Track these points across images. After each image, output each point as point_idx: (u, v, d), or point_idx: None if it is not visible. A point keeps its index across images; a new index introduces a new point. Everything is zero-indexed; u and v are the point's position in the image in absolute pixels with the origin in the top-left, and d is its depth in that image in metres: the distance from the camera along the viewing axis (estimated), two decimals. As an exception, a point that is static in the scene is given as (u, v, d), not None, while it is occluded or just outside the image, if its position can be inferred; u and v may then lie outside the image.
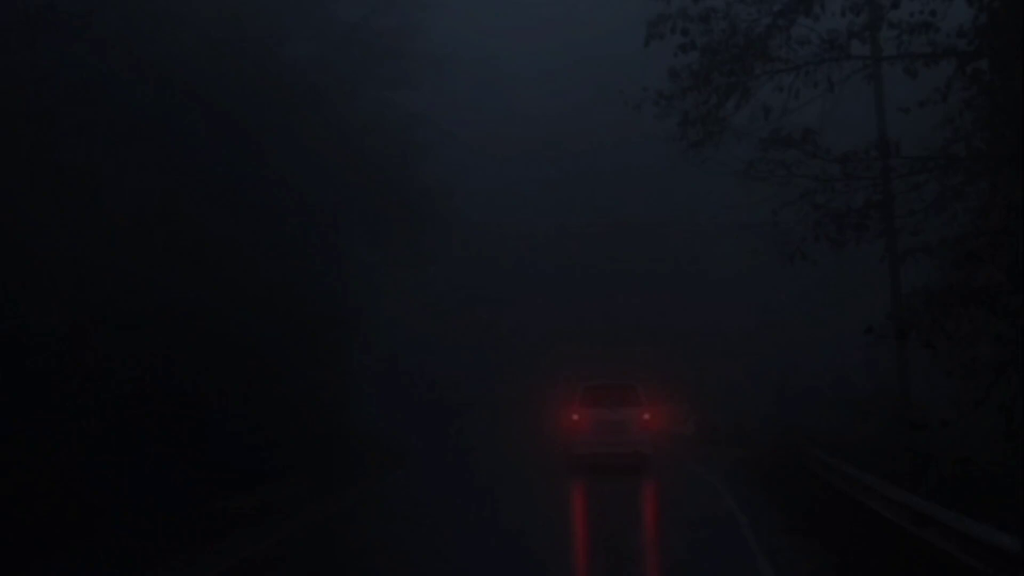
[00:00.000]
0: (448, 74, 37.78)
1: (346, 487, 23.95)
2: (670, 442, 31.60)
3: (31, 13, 20.29)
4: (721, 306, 40.59)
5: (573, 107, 43.67)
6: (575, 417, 27.97)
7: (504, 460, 30.98)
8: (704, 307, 41.37)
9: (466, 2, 40.40)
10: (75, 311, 19.82)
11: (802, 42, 18.46)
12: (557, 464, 28.00)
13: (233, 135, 24.77)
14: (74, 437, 18.49)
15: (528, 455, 31.42)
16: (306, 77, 27.80)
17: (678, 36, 18.43)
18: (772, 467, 24.96)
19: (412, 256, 34.77)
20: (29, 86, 20.01)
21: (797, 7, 18.12)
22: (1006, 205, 16.21)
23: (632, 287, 43.46)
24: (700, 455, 31.14)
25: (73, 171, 20.45)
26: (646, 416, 27.81)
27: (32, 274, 19.13)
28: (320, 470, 24.28)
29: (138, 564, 15.33)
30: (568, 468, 27.14)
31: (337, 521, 19.83)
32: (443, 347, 39.78)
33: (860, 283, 29.61)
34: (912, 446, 18.12)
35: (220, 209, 24.20)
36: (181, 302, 22.21)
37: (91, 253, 20.48)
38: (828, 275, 31.14)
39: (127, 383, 20.42)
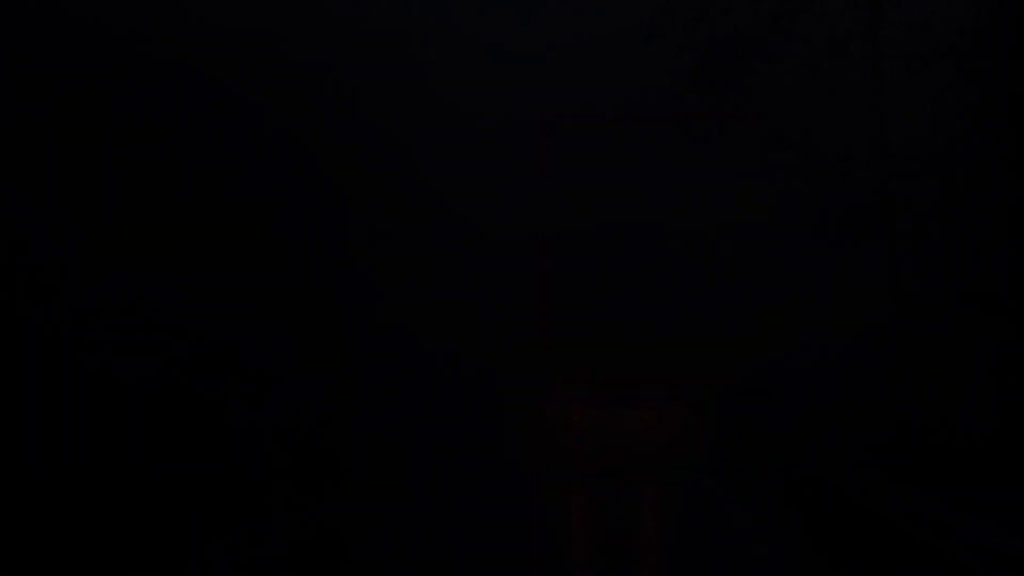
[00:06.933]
0: (447, 75, 37.83)
1: (345, 487, 23.94)
2: (671, 442, 31.57)
3: (35, 9, 20.32)
4: (721, 307, 40.56)
5: (573, 107, 43.63)
6: (576, 418, 27.90)
7: (504, 461, 30.96)
8: (704, 307, 41.34)
9: (466, 3, 40.43)
10: (77, 311, 19.82)
11: (802, 42, 18.48)
12: (558, 465, 27.96)
13: (234, 134, 24.79)
14: (75, 437, 18.50)
15: (529, 456, 31.40)
16: (306, 76, 27.82)
17: (678, 35, 18.46)
18: (773, 467, 24.96)
19: (413, 256, 34.78)
20: (32, 84, 20.03)
21: (798, 6, 18.14)
22: (1006, 205, 16.23)
23: (633, 287, 43.44)
24: (701, 455, 31.14)
25: (77, 171, 20.46)
26: (647, 416, 27.77)
27: (33, 273, 19.13)
28: (319, 471, 24.25)
29: (139, 563, 15.32)
30: (569, 469, 27.11)
31: (336, 521, 19.81)
32: (444, 348, 39.73)
33: (860, 283, 29.58)
34: (913, 446, 18.15)
35: (219, 209, 24.22)
36: (182, 304, 22.22)
37: (90, 253, 20.49)
38: (828, 275, 31.14)
39: (128, 383, 20.43)
